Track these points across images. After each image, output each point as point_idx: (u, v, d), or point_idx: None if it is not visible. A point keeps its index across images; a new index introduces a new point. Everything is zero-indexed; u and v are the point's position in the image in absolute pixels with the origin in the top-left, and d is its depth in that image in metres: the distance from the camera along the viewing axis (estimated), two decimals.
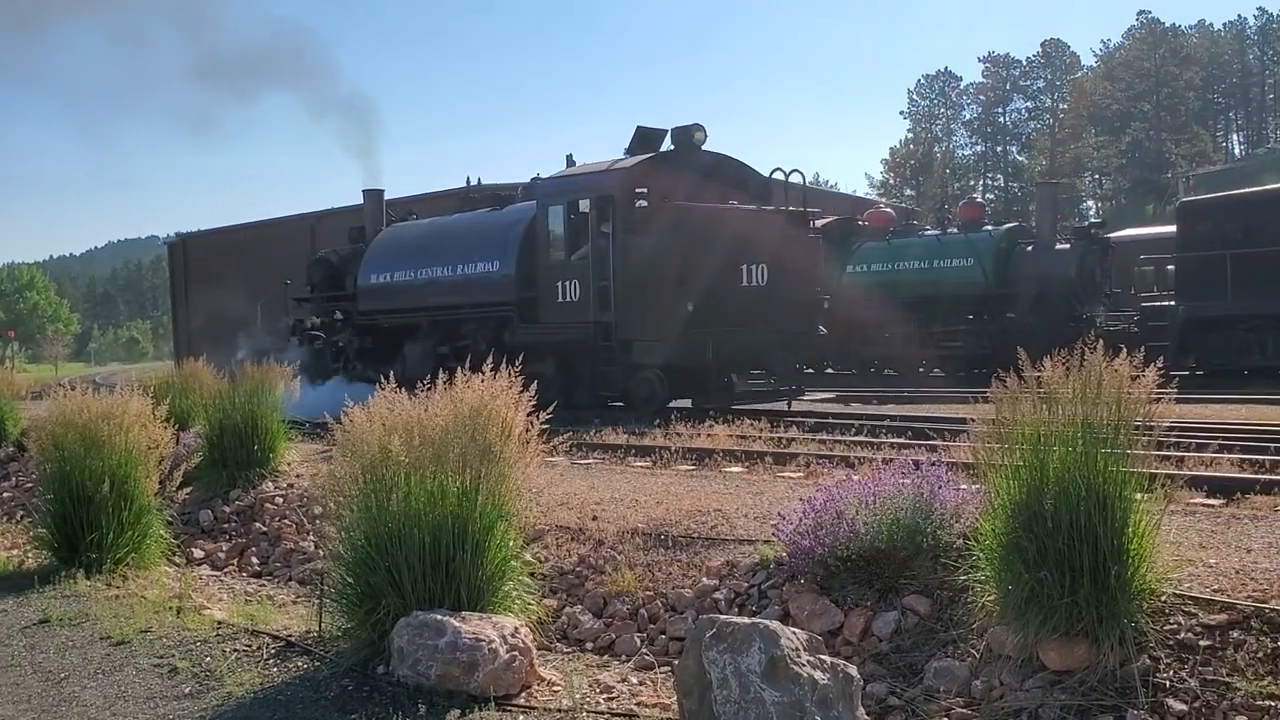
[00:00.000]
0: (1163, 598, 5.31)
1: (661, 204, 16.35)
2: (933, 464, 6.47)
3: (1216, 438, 10.28)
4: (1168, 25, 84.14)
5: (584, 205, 17.01)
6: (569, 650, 6.95)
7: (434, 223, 21.21)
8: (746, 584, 6.87)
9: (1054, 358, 5.49)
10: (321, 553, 7.91)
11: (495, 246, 18.35)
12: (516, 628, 5.33)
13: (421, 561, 5.61)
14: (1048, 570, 5.13)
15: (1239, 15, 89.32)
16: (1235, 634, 5.05)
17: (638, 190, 16.60)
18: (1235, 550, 6.13)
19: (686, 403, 16.86)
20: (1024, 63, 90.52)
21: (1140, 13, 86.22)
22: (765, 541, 7.11)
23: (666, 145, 17.86)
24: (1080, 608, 5.08)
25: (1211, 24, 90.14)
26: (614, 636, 7.07)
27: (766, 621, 4.09)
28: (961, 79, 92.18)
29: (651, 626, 7.04)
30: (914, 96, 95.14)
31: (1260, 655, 4.89)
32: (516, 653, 5.16)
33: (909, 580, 6.22)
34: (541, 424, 6.03)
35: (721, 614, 6.26)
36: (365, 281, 20.95)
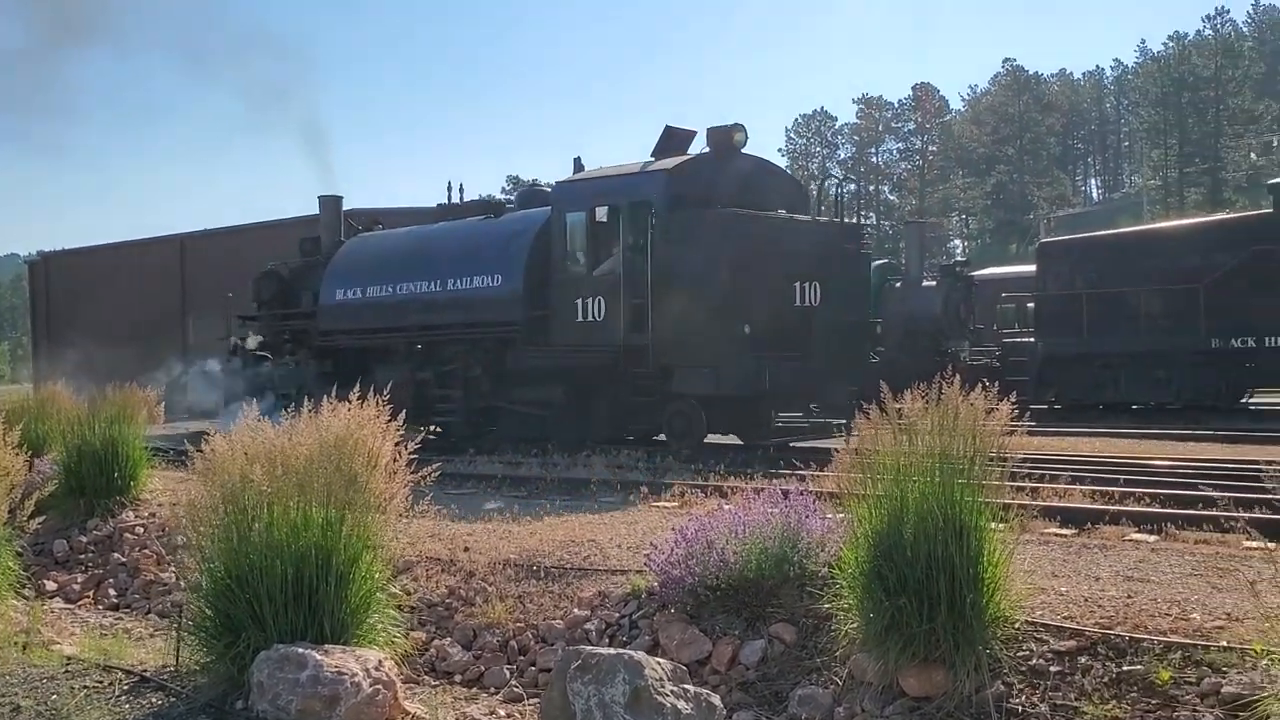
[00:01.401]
0: (1016, 625, 5.49)
1: (710, 211, 14.27)
2: (800, 494, 6.59)
3: (1070, 469, 10.69)
4: (1031, 73, 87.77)
5: (612, 212, 15.07)
6: (437, 683, 6.86)
7: (415, 233, 19.04)
8: (618, 614, 6.88)
9: (914, 390, 5.66)
10: (182, 584, 7.65)
11: (496, 259, 16.26)
12: (381, 660, 5.23)
13: (283, 593, 5.46)
14: (907, 598, 5.26)
15: (1097, 66, 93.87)
16: (1083, 659, 5.24)
17: (678, 195, 14.57)
18: (1085, 578, 6.37)
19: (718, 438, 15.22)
20: (896, 105, 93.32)
21: (1005, 60, 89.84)
22: (638, 571, 7.14)
23: (691, 147, 15.89)
24: (938, 635, 5.22)
25: (1072, 73, 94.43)
26: (483, 669, 7.00)
27: (631, 652, 4.10)
28: (837, 119, 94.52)
29: (522, 658, 7.00)
30: (792, 135, 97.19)
31: (1106, 680, 5.09)
32: (380, 686, 5.06)
33: (776, 608, 6.31)
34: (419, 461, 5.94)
35: (593, 645, 6.27)
36: (329, 298, 18.71)
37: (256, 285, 20.93)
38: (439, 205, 19.62)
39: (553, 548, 8.16)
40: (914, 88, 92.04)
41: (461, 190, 20.60)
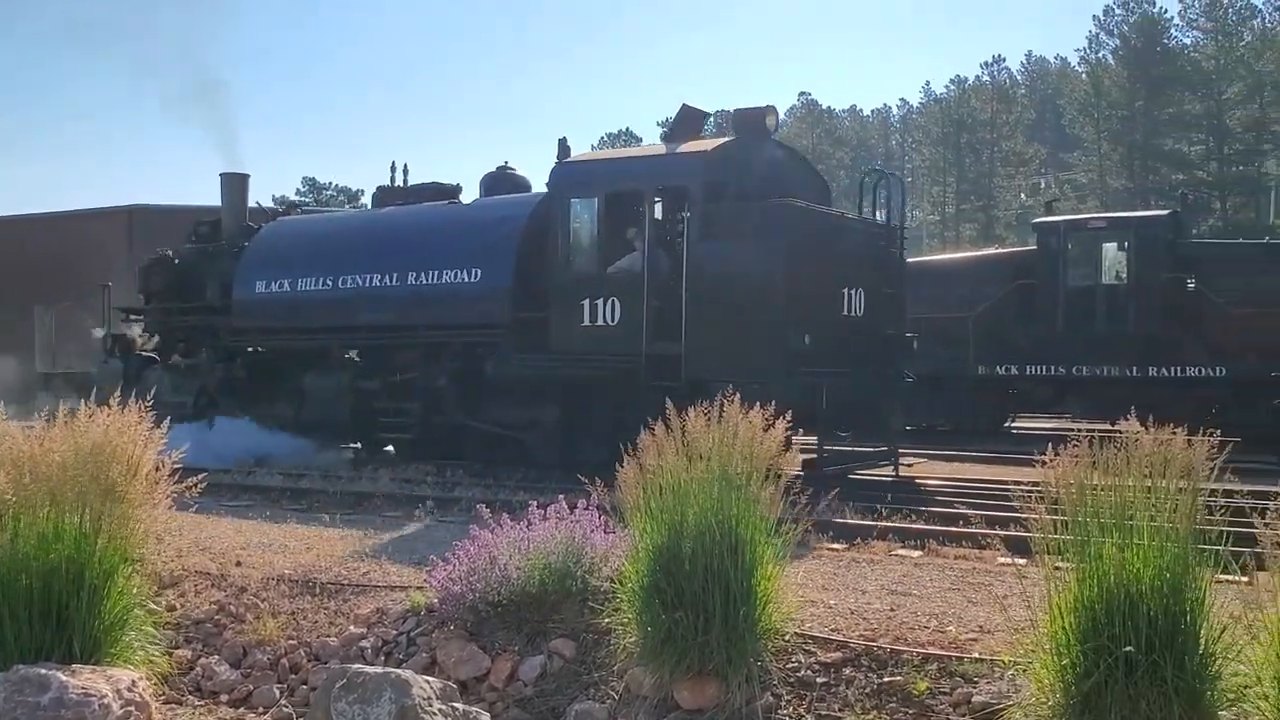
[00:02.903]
0: (787, 637, 5.66)
1: (766, 202, 12.45)
2: (586, 509, 6.61)
3: (842, 486, 11.09)
4: (824, 107, 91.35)
5: (633, 199, 12.95)
6: (201, 703, 6.52)
7: (360, 218, 16.61)
8: (395, 631, 6.72)
9: (698, 409, 5.77)
10: None
11: (475, 250, 13.90)
12: (135, 681, 4.95)
13: (29, 610, 5.10)
14: (684, 611, 5.35)
15: (884, 104, 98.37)
16: (848, 671, 5.45)
17: (714, 182, 12.46)
18: (853, 592, 6.63)
19: None
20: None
21: (801, 94, 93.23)
22: (418, 588, 7.00)
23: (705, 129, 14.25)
24: (712, 648, 5.32)
25: (861, 109, 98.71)
26: (252, 688, 6.71)
27: (398, 671, 4.01)
28: (641, 139, 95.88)
29: (293, 676, 6.74)
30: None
31: (868, 690, 5.30)
32: (133, 708, 4.79)
33: (557, 624, 6.30)
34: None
35: (369, 662, 6.11)
36: (245, 292, 15.92)
37: (144, 274, 18.14)
38: (379, 188, 17.21)
39: (331, 563, 7.91)
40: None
41: (406, 171, 17.75)
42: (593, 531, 6.46)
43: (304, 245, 15.94)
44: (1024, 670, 4.72)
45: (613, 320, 12.59)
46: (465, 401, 14.05)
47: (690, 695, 5.33)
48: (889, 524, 8.69)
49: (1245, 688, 4.31)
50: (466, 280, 13.78)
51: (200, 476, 5.94)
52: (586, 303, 12.72)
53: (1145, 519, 4.45)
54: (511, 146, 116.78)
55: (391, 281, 14.40)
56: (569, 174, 13.58)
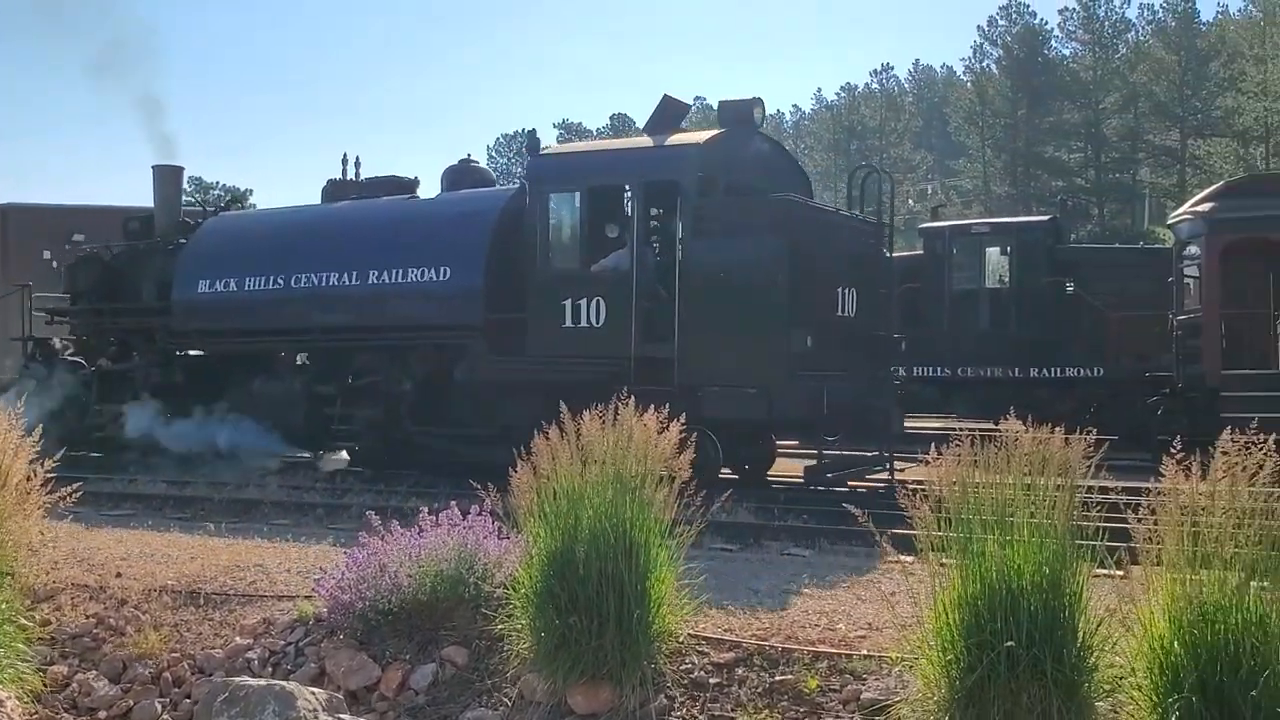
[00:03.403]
0: (681, 639, 5.68)
1: (767, 197, 12.00)
2: (479, 514, 6.55)
3: (737, 487, 11.17)
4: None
5: (617, 194, 12.38)
6: None
7: (311, 212, 15.42)
8: (283, 642, 6.57)
9: (593, 413, 5.76)
10: None
11: (443, 247, 13.00)
12: (3, 700, 4.74)
13: None
14: (578, 616, 5.34)
15: (778, 110, 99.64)
16: (740, 670, 5.49)
17: (707, 176, 11.84)
18: (746, 592, 6.69)
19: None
20: (595, 133, 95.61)
21: (696, 98, 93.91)
22: (306, 597, 6.86)
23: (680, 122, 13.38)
24: (606, 652, 5.32)
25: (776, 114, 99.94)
26: (132, 703, 6.51)
27: (282, 683, 3.92)
28: (539, 141, 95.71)
29: (176, 690, 6.55)
30: (493, 154, 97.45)
31: (760, 690, 5.35)
32: None
33: (450, 631, 6.24)
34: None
35: (255, 674, 5.96)
36: (186, 291, 14.76)
37: (71, 272, 16.85)
38: (330, 182, 16.10)
39: (216, 573, 7.70)
40: (611, 118, 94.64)
41: (358, 164, 16.40)
42: (486, 537, 6.41)
43: (251, 242, 14.91)
44: (911, 666, 4.81)
45: (597, 321, 11.89)
46: (431, 405, 13.30)
47: (584, 700, 5.32)
48: (782, 524, 8.80)
49: (1120, 678, 4.46)
50: (434, 279, 12.90)
51: (75, 486, 5.73)
52: (568, 303, 11.98)
53: (1025, 516, 4.57)
54: (399, 151, 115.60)
55: (350, 281, 13.47)
56: (547, 167, 12.92)
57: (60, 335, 17.43)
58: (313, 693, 3.97)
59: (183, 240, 15.76)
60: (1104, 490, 4.70)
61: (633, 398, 5.87)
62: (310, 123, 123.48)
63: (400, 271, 13.08)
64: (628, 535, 5.49)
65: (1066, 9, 65.33)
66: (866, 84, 78.70)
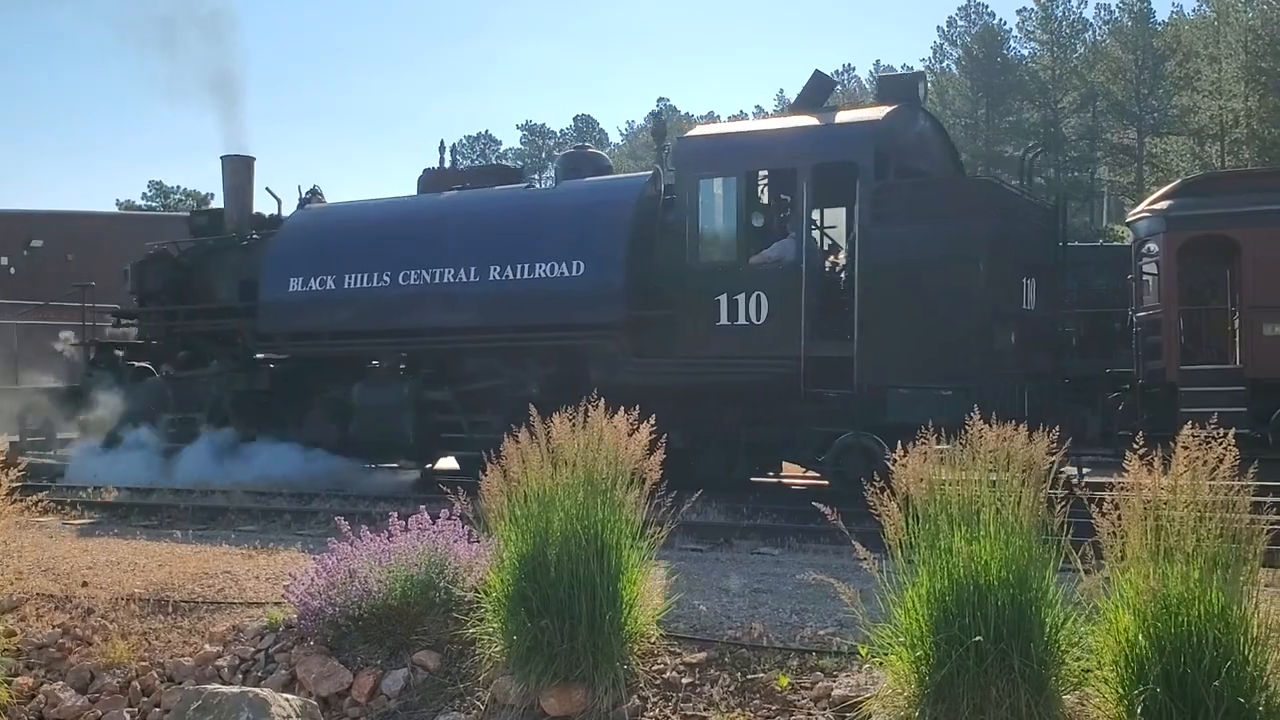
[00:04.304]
0: (653, 639, 5.70)
1: (963, 180, 11.19)
2: (449, 518, 6.54)
3: (705, 490, 11.21)
4: (684, 113, 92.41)
5: (784, 178, 11.32)
6: None
7: (414, 204, 14.14)
8: (253, 649, 6.54)
9: (561, 414, 5.78)
10: None
11: (577, 240, 11.97)
12: None
13: None
14: (550, 619, 5.35)
15: (741, 110, 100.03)
16: (713, 671, 5.52)
17: (883, 157, 10.96)
18: (717, 591, 6.72)
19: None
20: (558, 134, 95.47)
21: (660, 99, 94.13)
22: (276, 603, 6.83)
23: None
24: (579, 654, 5.33)
25: (719, 116, 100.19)
26: (100, 713, 6.45)
27: (256, 690, 3.91)
28: (501, 143, 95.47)
29: (145, 700, 6.50)
30: (458, 157, 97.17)
31: (732, 688, 5.38)
32: None
33: (421, 636, 6.23)
34: None
35: (225, 682, 5.94)
36: (275, 291, 13.65)
37: (139, 272, 15.63)
38: (427, 171, 15.20)
39: (184, 580, 7.65)
40: (575, 119, 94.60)
41: (454, 153, 15.69)
42: (456, 541, 6.41)
43: (349, 237, 13.73)
44: (881, 662, 4.86)
45: (758, 318, 10.91)
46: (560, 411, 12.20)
47: (557, 702, 5.33)
48: (752, 523, 8.85)
49: (1087, 672, 4.53)
50: (566, 274, 11.87)
51: (40, 495, 5.68)
52: (723, 299, 11.05)
53: (991, 513, 4.64)
54: (365, 155, 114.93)
55: (469, 277, 12.41)
56: (697, 149, 11.88)
57: (120, 339, 16.52)
58: (286, 699, 3.96)
59: (255, 235, 15.00)
60: (1068, 486, 4.76)
61: None
62: (272, 127, 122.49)
63: (526, 267, 12.12)
64: (599, 537, 5.50)
65: (1025, 9, 66.04)
66: None
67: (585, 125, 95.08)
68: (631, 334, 11.52)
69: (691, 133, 12.32)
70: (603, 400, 5.70)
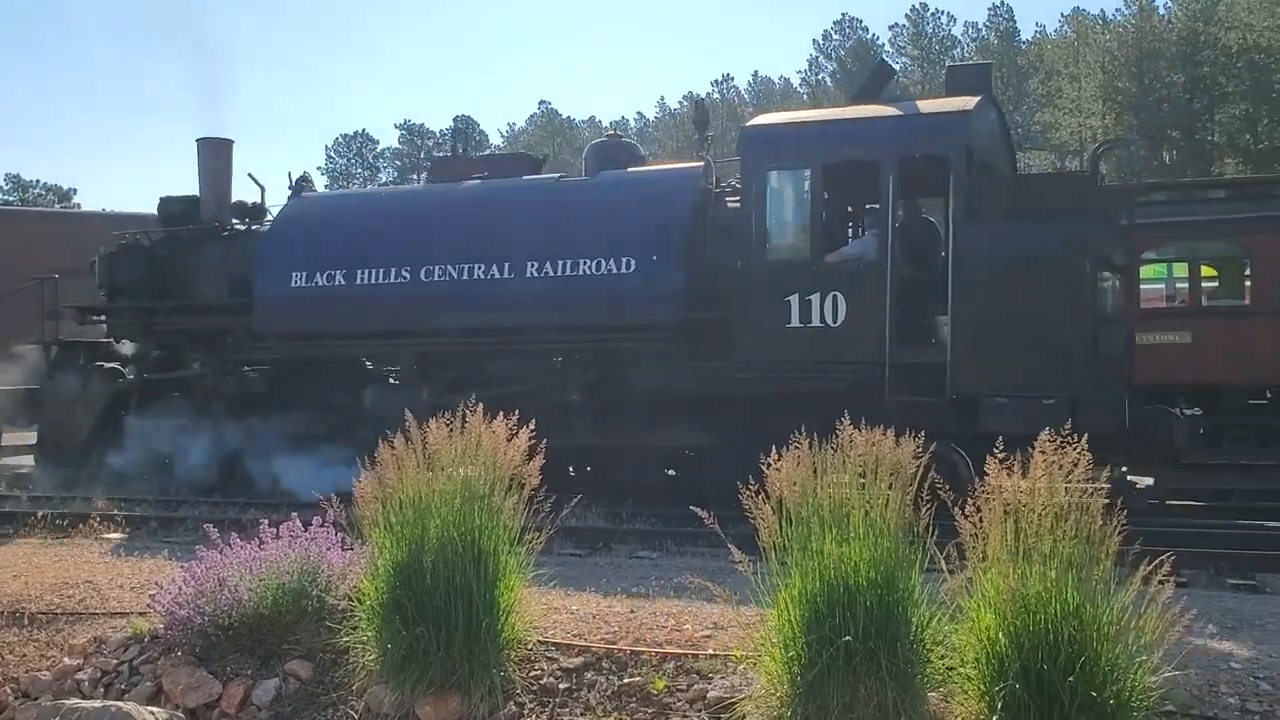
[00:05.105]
0: (530, 645, 5.71)
1: (1063, 175, 10.96)
2: (322, 525, 6.44)
3: (587, 492, 11.24)
4: (565, 117, 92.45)
5: (867, 170, 10.46)
6: None
7: (436, 194, 13.00)
8: (116, 661, 6.32)
9: (439, 419, 5.75)
10: None
11: (627, 235, 11.06)
12: None
13: None
14: (425, 627, 5.31)
15: (623, 116, 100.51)
16: (589, 675, 5.55)
17: (971, 149, 10.26)
18: (595, 595, 6.75)
19: None
20: (437, 134, 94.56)
21: (541, 102, 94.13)
22: (140, 614, 6.63)
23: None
24: (455, 662, 5.31)
25: (600, 120, 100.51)
26: None
27: (119, 704, 3.80)
28: (379, 142, 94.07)
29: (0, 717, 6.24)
30: (332, 154, 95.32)
31: (609, 693, 5.42)
32: None
33: (293, 645, 6.12)
34: None
35: (85, 696, 5.73)
36: (275, 286, 12.45)
37: (108, 265, 14.13)
38: (436, 159, 13.98)
39: (42, 591, 7.36)
40: (455, 119, 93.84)
41: (466, 139, 13.50)
42: (329, 549, 6.32)
43: (362, 228, 12.56)
44: (754, 664, 4.95)
45: (834, 320, 10.16)
46: (604, 420, 11.35)
47: (433, 710, 5.30)
48: (631, 527, 8.90)
49: (950, 669, 4.69)
50: (615, 272, 10.96)
51: None
52: (795, 299, 10.25)
53: (860, 515, 4.76)
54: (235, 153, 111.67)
55: (502, 274, 11.41)
56: (767, 138, 11.02)
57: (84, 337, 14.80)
58: (151, 712, 3.85)
59: (238, 225, 13.96)
60: (934, 488, 4.90)
61: None
62: (127, 118, 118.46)
63: (569, 264, 11.17)
64: (476, 544, 5.49)
65: (896, 25, 68.14)
66: (708, 93, 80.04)
67: (466, 126, 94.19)
68: (688, 336, 10.77)
69: (759, 121, 11.58)
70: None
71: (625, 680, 5.45)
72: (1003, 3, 67.95)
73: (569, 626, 6.04)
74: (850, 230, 11.99)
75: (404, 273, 11.81)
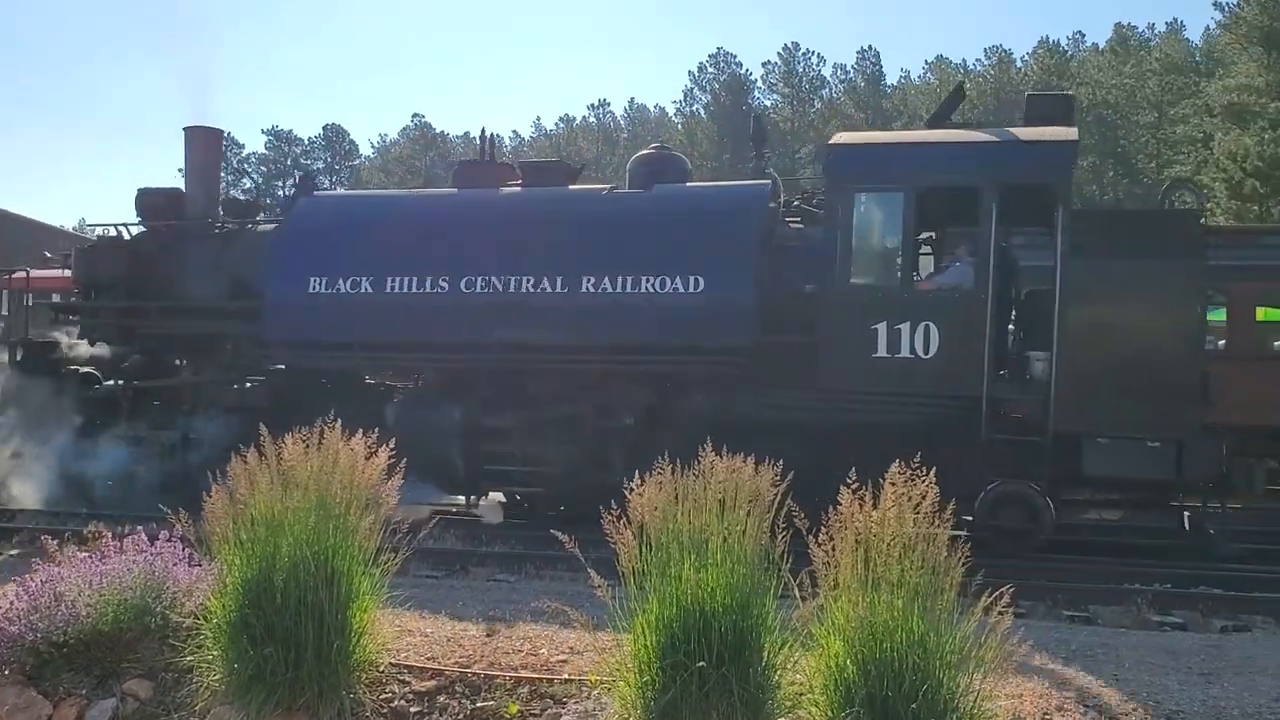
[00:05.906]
0: (382, 668, 5.61)
1: (1174, 211, 10.19)
2: (168, 540, 6.23)
3: (446, 516, 11.13)
4: (439, 131, 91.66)
5: (966, 196, 9.95)
6: None
7: (474, 199, 11.96)
8: None
9: (294, 435, 5.62)
10: None
11: (695, 253, 10.47)
12: None
13: None
14: (274, 646, 5.19)
15: (497, 134, 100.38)
16: (442, 699, 5.49)
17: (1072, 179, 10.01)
18: (451, 618, 6.67)
19: None
20: (306, 141, 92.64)
21: (414, 115, 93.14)
22: None
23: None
24: (304, 683, 5.20)
25: (474, 137, 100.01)
26: None
27: None
28: (244, 146, 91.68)
29: None
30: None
31: (461, 717, 5.37)
32: None
33: (134, 664, 5.90)
34: None
35: None
36: (289, 289, 11.52)
37: (86, 260, 13.04)
38: (462, 164, 13.23)
39: None
40: (325, 128, 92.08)
41: (493, 141, 13.02)
42: (176, 564, 6.11)
43: (392, 232, 11.70)
44: (609, 689, 4.97)
45: (926, 351, 9.73)
46: (660, 447, 10.23)
47: None
48: (490, 550, 8.83)
49: (800, 695, 4.78)
50: (682, 291, 10.40)
51: None
52: (881, 327, 9.78)
53: (719, 541, 4.83)
54: (85, 153, 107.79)
55: (554, 288, 10.74)
56: (857, 159, 10.55)
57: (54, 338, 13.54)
58: None
59: (228, 222, 12.98)
60: (789, 517, 5.00)
61: None
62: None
63: (629, 280, 10.53)
64: (329, 563, 5.38)
65: (769, 62, 69.75)
66: (584, 117, 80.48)
67: (335, 135, 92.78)
68: (761, 362, 10.23)
69: (846, 139, 11.11)
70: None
71: (478, 704, 5.41)
72: (870, 47, 70.36)
73: (423, 649, 5.97)
74: (932, 259, 11.52)
75: (442, 282, 11.10)
